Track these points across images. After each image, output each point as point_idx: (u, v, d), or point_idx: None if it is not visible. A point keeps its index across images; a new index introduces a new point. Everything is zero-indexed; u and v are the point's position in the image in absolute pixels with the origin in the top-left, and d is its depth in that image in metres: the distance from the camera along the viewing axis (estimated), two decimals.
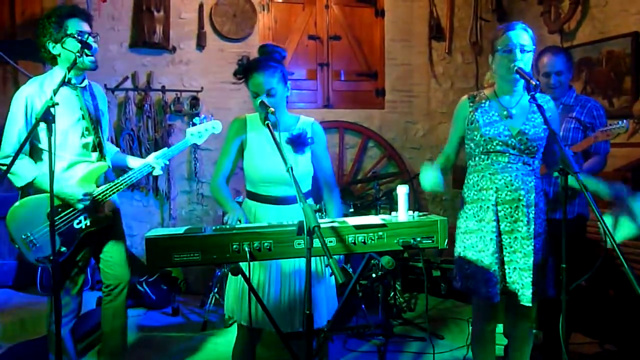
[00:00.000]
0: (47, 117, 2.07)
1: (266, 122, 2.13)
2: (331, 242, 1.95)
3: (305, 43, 5.33)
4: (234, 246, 1.89)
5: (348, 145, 5.46)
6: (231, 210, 2.30)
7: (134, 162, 2.96)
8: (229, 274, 2.40)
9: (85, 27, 2.61)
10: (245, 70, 2.38)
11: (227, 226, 2.06)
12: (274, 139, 2.05)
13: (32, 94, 2.53)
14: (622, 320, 3.54)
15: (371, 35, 5.52)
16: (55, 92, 2.16)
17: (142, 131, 4.79)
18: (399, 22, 5.55)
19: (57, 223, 2.52)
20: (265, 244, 1.90)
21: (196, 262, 1.89)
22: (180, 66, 4.98)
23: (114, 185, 2.70)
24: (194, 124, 2.93)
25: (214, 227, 1.99)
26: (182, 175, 5.04)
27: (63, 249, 2.56)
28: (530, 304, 2.36)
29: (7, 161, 2.42)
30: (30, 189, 2.56)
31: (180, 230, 1.98)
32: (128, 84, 4.80)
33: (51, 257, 2.34)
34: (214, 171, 2.51)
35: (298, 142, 2.43)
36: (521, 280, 2.37)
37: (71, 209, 2.59)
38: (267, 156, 2.40)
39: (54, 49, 2.57)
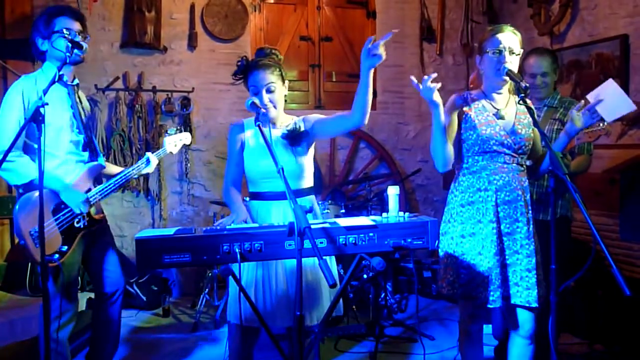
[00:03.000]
0: (37, 117, 2.05)
1: (257, 122, 2.14)
2: (322, 243, 1.96)
3: (297, 44, 5.33)
4: (225, 247, 1.89)
5: (339, 146, 5.46)
6: (234, 212, 2.33)
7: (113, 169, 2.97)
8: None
9: (76, 25, 2.61)
10: (244, 70, 2.44)
11: (218, 227, 2.06)
12: (265, 139, 2.05)
13: (28, 90, 2.50)
14: (610, 321, 3.57)
15: (363, 37, 5.52)
16: (45, 92, 2.15)
17: (133, 132, 4.77)
18: (391, 23, 5.55)
19: (59, 221, 2.51)
20: (256, 245, 1.90)
21: (186, 264, 1.89)
22: (172, 66, 4.96)
23: (109, 185, 2.69)
24: (167, 134, 3.06)
25: (204, 228, 1.99)
26: (172, 175, 5.02)
27: (64, 247, 2.52)
28: (537, 305, 2.31)
29: (10, 157, 2.37)
30: (29, 186, 2.49)
31: (171, 231, 1.97)
32: (119, 84, 4.77)
33: (54, 256, 2.42)
34: (225, 175, 2.54)
35: (294, 136, 2.46)
36: (525, 282, 2.33)
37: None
38: (265, 152, 2.40)
39: (42, 45, 2.59)
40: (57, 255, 2.46)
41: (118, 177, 2.75)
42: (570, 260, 2.68)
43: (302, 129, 2.49)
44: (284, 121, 2.51)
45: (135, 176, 2.92)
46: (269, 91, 2.39)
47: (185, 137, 3.09)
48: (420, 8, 5.59)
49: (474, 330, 2.52)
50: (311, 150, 2.55)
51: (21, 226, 2.39)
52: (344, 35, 5.44)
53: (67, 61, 2.48)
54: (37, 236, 2.38)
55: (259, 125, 2.13)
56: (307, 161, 2.51)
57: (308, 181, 2.52)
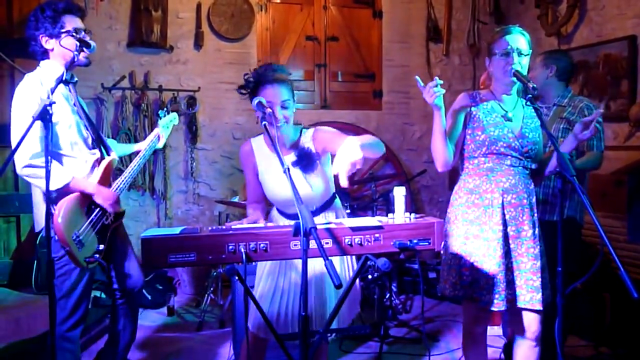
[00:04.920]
0: (45, 116, 2.04)
1: (263, 122, 2.13)
2: (327, 243, 1.95)
3: (303, 44, 5.33)
4: (230, 247, 1.89)
5: None
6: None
7: (138, 146, 3.02)
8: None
9: (80, 23, 2.57)
10: (257, 83, 2.33)
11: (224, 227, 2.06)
12: (272, 140, 2.03)
13: (37, 89, 2.43)
14: (617, 324, 3.55)
15: (369, 37, 5.52)
16: (53, 91, 2.14)
17: (139, 130, 4.78)
18: (397, 23, 5.55)
19: (92, 221, 2.48)
20: (262, 245, 1.90)
21: (192, 263, 1.88)
22: (178, 66, 4.97)
23: (128, 174, 2.70)
24: (160, 117, 3.15)
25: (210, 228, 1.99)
26: (178, 174, 5.03)
27: (101, 246, 2.49)
28: (541, 307, 2.31)
29: (39, 161, 2.32)
30: (63, 191, 2.41)
31: (176, 230, 1.97)
32: (125, 83, 4.79)
33: (95, 255, 2.42)
34: (247, 196, 2.55)
35: (306, 163, 2.37)
36: (530, 285, 2.32)
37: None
38: (279, 180, 2.35)
39: (47, 43, 2.51)
40: (97, 255, 2.45)
41: (135, 166, 2.78)
42: (579, 263, 2.67)
43: (313, 150, 2.39)
44: (292, 138, 2.42)
45: (148, 155, 2.95)
46: (283, 107, 2.30)
47: (174, 117, 3.18)
48: (426, 8, 5.58)
49: (478, 332, 2.51)
50: (326, 161, 2.45)
51: (64, 233, 2.31)
52: (350, 35, 5.43)
53: (75, 60, 2.46)
54: (79, 240, 2.37)
55: (265, 125, 2.12)
56: (324, 177, 2.43)
57: (329, 192, 2.47)
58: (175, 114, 3.21)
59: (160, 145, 3.04)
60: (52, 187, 2.35)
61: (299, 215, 1.73)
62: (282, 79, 2.32)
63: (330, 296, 2.42)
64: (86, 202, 2.47)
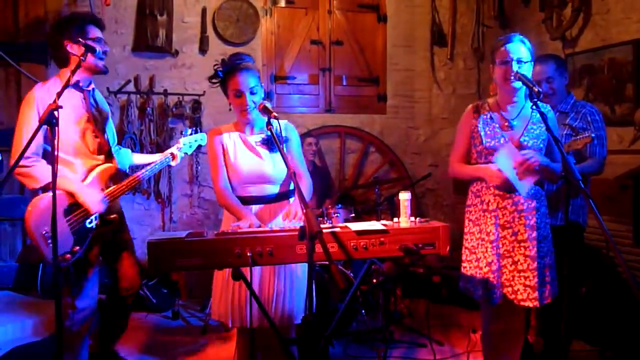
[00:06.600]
0: (51, 120, 2.06)
1: (269, 127, 2.16)
2: (333, 247, 1.95)
3: (308, 48, 5.34)
4: (236, 251, 1.89)
5: (349, 150, 5.46)
6: (247, 216, 2.35)
7: (138, 158, 3.11)
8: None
9: (101, 34, 2.71)
10: (226, 72, 2.51)
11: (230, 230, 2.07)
12: (276, 142, 2.07)
13: (41, 98, 2.55)
14: (622, 328, 3.53)
15: (373, 41, 5.53)
16: (59, 95, 2.16)
17: (144, 134, 4.80)
18: (401, 27, 5.56)
19: (70, 222, 2.52)
20: (267, 249, 1.91)
21: (198, 267, 1.89)
22: (183, 70, 4.98)
23: (122, 185, 2.75)
24: (183, 135, 3.15)
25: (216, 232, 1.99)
26: (183, 178, 5.04)
27: (76, 248, 2.54)
28: (537, 305, 2.38)
29: (27, 162, 2.47)
30: (46, 189, 2.51)
31: (182, 234, 1.98)
32: (130, 87, 4.81)
33: (67, 255, 2.45)
34: (215, 179, 2.53)
35: (273, 142, 2.46)
36: (525, 284, 2.40)
37: (84, 208, 2.57)
38: (245, 157, 2.48)
39: (71, 48, 2.61)
40: (69, 255, 2.48)
41: (139, 176, 2.84)
42: (582, 267, 2.67)
43: (283, 134, 2.52)
44: (260, 124, 2.54)
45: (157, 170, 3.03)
46: (252, 93, 2.45)
47: (201, 138, 3.18)
48: (431, 12, 5.58)
49: (493, 331, 2.59)
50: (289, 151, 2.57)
51: (32, 227, 2.40)
52: (355, 39, 5.44)
53: (79, 65, 2.50)
54: (49, 236, 2.41)
55: (270, 130, 2.15)
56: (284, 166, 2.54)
57: (289, 183, 2.56)
58: (203, 135, 3.19)
59: (174, 163, 3.06)
60: (36, 185, 2.51)
61: (306, 218, 1.73)
62: (249, 67, 2.49)
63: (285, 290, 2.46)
64: (67, 202, 2.53)
